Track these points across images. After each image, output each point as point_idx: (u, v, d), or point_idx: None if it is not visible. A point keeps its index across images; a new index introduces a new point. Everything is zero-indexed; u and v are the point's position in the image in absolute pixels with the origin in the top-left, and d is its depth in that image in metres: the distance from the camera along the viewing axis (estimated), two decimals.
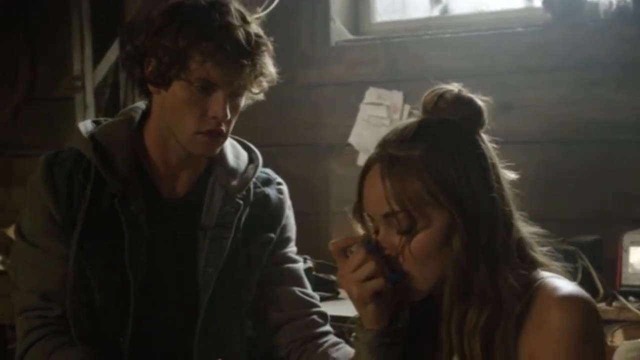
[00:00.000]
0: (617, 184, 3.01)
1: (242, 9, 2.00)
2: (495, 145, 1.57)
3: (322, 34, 3.56)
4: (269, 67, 1.99)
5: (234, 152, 2.14)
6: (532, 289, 1.51)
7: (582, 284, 2.63)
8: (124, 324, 2.01)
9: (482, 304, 1.49)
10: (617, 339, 2.63)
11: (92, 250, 2.00)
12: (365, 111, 3.44)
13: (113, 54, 3.89)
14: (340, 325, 2.25)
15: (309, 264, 2.91)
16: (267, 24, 3.10)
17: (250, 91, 2.00)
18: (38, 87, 4.25)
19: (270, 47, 2.01)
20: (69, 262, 1.99)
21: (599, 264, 2.80)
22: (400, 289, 1.54)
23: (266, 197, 2.15)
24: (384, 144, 1.54)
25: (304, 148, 3.61)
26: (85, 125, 2.09)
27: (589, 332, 1.47)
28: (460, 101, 1.56)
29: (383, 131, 3.36)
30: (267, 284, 2.17)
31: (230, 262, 2.08)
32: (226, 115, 1.96)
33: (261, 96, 2.04)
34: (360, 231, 1.58)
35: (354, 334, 1.62)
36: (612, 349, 2.55)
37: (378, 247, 1.53)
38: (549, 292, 1.49)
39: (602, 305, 2.68)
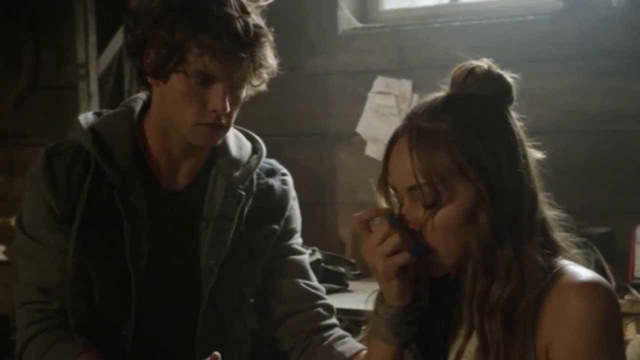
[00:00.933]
0: (629, 174, 2.98)
1: None
2: (522, 124, 1.55)
3: (330, 22, 3.52)
4: (269, 58, 1.95)
5: (237, 142, 2.11)
6: (552, 274, 1.49)
7: None
8: (126, 317, 1.99)
9: (506, 280, 1.47)
10: (630, 332, 2.60)
11: (91, 242, 1.98)
12: (373, 100, 3.40)
13: (117, 42, 3.84)
14: (350, 318, 2.22)
15: (318, 256, 2.88)
16: (274, 11, 3.07)
17: (250, 83, 1.96)
18: (42, 75, 4.22)
19: (271, 37, 1.96)
20: (67, 254, 1.97)
21: (611, 256, 2.76)
22: (422, 264, 1.53)
23: (270, 187, 2.13)
24: (412, 116, 1.53)
25: (311, 137, 3.58)
26: (87, 117, 2.07)
27: (609, 321, 1.46)
28: (489, 77, 1.55)
29: (391, 120, 3.33)
30: (270, 276, 2.15)
31: (233, 254, 2.05)
32: (225, 109, 1.92)
33: (263, 87, 2.00)
34: (384, 204, 1.56)
35: (373, 309, 1.59)
36: (625, 343, 2.52)
37: (401, 221, 1.52)
38: (569, 278, 1.48)
39: None
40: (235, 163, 2.08)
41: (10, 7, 4.20)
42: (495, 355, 1.47)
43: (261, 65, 1.93)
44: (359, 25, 3.54)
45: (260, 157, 2.12)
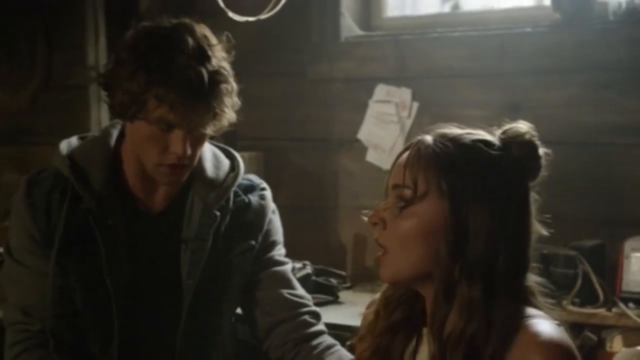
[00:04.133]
0: (622, 187, 3.00)
1: (204, 39, 2.00)
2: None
3: (332, 30, 3.55)
4: (228, 105, 2.00)
5: (214, 162, 2.17)
6: (516, 326, 1.52)
7: (582, 289, 2.67)
8: (108, 336, 2.06)
9: (467, 316, 1.50)
10: (616, 345, 2.63)
11: (71, 266, 2.06)
12: (374, 108, 3.43)
13: None
14: (336, 333, 2.26)
15: (308, 270, 2.92)
16: (278, 19, 3.12)
17: (212, 130, 2.01)
18: (55, 75, 4.28)
19: (231, 80, 2.01)
20: (48, 278, 2.04)
21: (601, 268, 2.79)
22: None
23: (247, 204, 2.18)
24: (437, 135, 1.57)
25: (314, 142, 3.62)
26: (69, 143, 2.14)
27: None
28: (529, 146, 1.57)
29: (391, 128, 3.37)
30: (254, 289, 2.21)
31: (210, 273, 2.12)
32: (186, 153, 1.99)
33: (233, 120, 2.05)
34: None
35: None
36: (611, 355, 2.56)
37: None
38: (531, 336, 1.49)
39: (601, 311, 2.68)
40: (211, 184, 2.14)
41: (23, 8, 4.25)
42: None
43: (218, 114, 1.98)
44: (360, 33, 3.57)
45: (237, 175, 2.18)
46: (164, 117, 1.95)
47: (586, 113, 3.05)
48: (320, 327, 2.22)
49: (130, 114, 1.98)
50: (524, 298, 1.56)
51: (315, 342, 2.17)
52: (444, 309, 1.52)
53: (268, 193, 2.25)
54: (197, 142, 2.02)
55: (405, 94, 3.37)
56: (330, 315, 2.52)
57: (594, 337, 2.65)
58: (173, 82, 1.93)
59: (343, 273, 3.23)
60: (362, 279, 3.24)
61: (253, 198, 2.20)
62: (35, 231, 2.07)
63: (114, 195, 2.09)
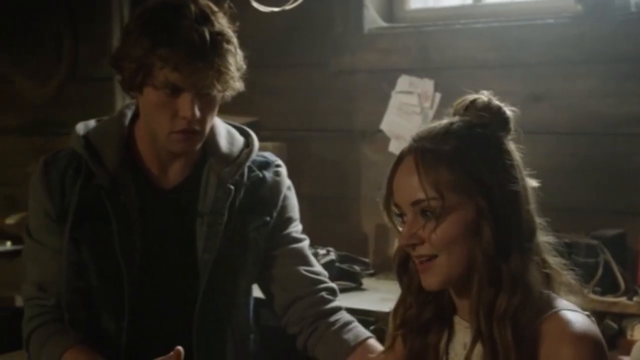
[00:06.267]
0: None
1: (208, 8, 2.03)
2: (520, 154, 1.63)
3: (355, 21, 3.58)
4: (232, 64, 2.02)
5: (228, 138, 2.20)
6: (547, 314, 1.55)
7: (603, 278, 2.68)
8: (121, 311, 2.10)
9: (512, 291, 1.54)
10: (637, 334, 2.65)
11: (84, 241, 2.10)
12: (396, 99, 3.46)
13: None
14: (361, 318, 2.29)
15: (332, 256, 2.94)
16: (301, 10, 3.15)
17: (218, 90, 2.04)
18: (80, 66, 4.33)
19: (235, 42, 2.04)
20: (63, 254, 2.09)
21: (622, 258, 2.81)
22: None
23: (261, 180, 2.20)
24: (416, 139, 1.62)
25: (337, 133, 3.65)
26: (86, 124, 2.20)
27: None
28: (489, 108, 1.62)
29: (414, 118, 3.39)
30: (271, 266, 2.23)
31: (226, 247, 2.14)
32: (194, 115, 2.02)
33: (241, 87, 2.08)
34: (388, 221, 1.65)
35: None
36: (632, 343, 2.57)
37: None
38: (564, 327, 1.53)
39: (622, 300, 2.70)
40: (225, 159, 2.16)
41: (50, 0, 4.30)
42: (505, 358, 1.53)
43: (223, 73, 2.01)
44: (384, 24, 3.59)
45: (251, 151, 2.20)
46: (169, 79, 1.99)
47: (607, 104, 3.06)
48: (337, 303, 2.24)
49: (139, 82, 2.02)
50: (548, 274, 1.60)
51: (333, 319, 2.20)
52: (491, 292, 1.55)
53: (283, 170, 2.26)
54: (206, 107, 2.05)
55: (427, 84, 3.39)
56: (354, 300, 2.56)
57: (615, 326, 2.67)
58: (176, 42, 1.96)
59: (367, 260, 3.25)
60: (384, 267, 3.27)
61: (268, 174, 2.22)
62: (51, 207, 2.12)
63: (127, 173, 2.13)
